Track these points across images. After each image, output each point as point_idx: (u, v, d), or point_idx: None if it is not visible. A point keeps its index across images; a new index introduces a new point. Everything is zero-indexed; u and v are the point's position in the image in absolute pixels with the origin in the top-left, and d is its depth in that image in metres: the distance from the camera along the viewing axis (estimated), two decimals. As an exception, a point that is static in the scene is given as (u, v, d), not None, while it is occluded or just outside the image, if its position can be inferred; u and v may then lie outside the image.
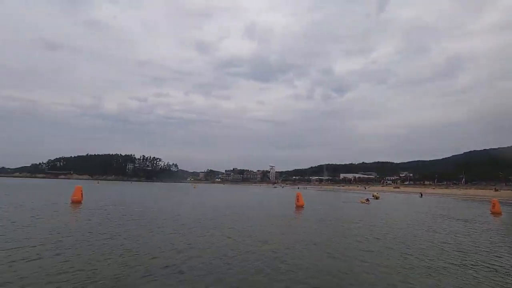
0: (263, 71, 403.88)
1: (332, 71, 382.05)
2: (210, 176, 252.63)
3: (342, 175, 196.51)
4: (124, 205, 20.39)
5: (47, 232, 9.33)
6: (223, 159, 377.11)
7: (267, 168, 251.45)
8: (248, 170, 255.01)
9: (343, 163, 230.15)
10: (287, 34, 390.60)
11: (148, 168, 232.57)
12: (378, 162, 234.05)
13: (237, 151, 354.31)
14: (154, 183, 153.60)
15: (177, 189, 64.54)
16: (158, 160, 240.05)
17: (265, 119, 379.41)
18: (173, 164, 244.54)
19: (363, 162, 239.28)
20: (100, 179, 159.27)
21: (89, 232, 9.67)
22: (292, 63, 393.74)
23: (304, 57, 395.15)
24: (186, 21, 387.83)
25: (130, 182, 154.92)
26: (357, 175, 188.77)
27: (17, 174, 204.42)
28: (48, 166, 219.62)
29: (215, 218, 14.55)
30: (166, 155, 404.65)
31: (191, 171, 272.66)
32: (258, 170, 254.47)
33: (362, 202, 29.98)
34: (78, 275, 5.52)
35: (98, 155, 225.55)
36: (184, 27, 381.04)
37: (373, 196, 39.62)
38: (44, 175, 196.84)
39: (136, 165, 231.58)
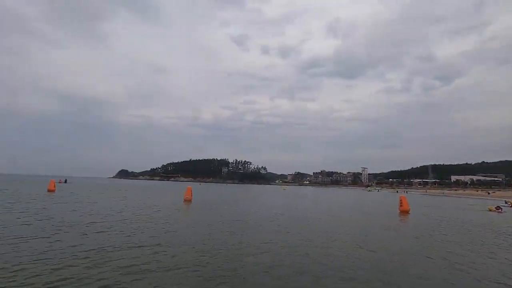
0: (349, 68, 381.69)
1: (434, 56, 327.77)
2: (298, 178, 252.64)
3: (453, 177, 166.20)
4: (225, 204, 22.46)
5: (169, 226, 11.08)
6: (311, 161, 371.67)
7: (358, 170, 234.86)
8: (337, 172, 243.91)
9: (454, 163, 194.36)
10: (374, 24, 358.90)
11: (240, 171, 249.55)
12: (505, 161, 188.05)
13: (325, 153, 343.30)
14: (246, 185, 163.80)
15: (268, 191, 67.12)
16: (248, 163, 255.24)
17: (353, 118, 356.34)
18: (262, 167, 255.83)
19: (482, 162, 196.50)
20: (201, 181, 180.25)
21: (199, 226, 11.01)
22: (382, 54, 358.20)
23: (397, 46, 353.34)
24: (269, 29, 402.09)
25: (225, 184, 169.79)
26: (475, 177, 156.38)
27: (140, 177, 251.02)
28: (162, 170, 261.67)
29: (311, 220, 14.42)
30: (256, 159, 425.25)
31: (279, 173, 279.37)
32: (348, 172, 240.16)
33: (491, 210, 24.49)
34: (199, 261, 6.32)
35: (199, 160, 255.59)
36: (268, 34, 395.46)
37: (506, 203, 31.41)
38: (159, 177, 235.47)
39: (230, 168, 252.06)
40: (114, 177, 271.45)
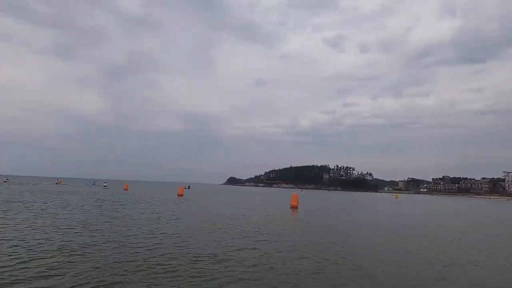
0: (475, 50, 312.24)
1: None
2: (413, 185, 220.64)
3: None
4: (332, 211, 21.69)
5: (281, 231, 11.47)
6: (428, 166, 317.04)
7: (499, 175, 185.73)
8: (466, 178, 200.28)
9: None
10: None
11: (343, 177, 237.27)
12: None
13: (446, 155, 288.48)
14: (351, 192, 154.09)
15: (377, 198, 61.10)
16: (351, 169, 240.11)
17: (486, 111, 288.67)
18: (367, 173, 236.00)
19: None
20: (302, 188, 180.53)
21: (309, 234, 10.94)
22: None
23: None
24: (366, 24, 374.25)
25: (327, 191, 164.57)
26: None
27: (246, 183, 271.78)
28: (264, 177, 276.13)
29: (442, 234, 12.24)
30: (359, 164, 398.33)
31: (388, 180, 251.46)
32: (484, 178, 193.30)
33: None
34: (316, 268, 6.24)
35: (299, 166, 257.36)
36: (365, 31, 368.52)
37: None
38: (263, 184, 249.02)
39: (331, 174, 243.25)
40: (224, 183, 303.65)
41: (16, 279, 4.89)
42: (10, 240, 7.62)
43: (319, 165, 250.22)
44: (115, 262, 6.16)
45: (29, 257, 6.13)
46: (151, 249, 7.40)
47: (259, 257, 7.15)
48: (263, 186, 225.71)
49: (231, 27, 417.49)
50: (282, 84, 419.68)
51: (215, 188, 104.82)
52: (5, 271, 5.23)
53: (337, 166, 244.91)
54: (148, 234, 9.43)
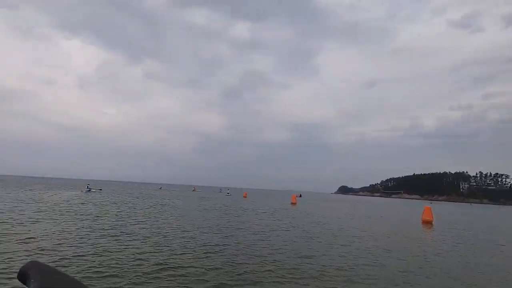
0: None
1: None
2: None
3: None
4: (481, 230, 17.29)
5: (416, 249, 9.91)
6: None
7: None
8: None
9: None
10: None
11: (491, 187, 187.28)
12: None
13: None
14: (507, 206, 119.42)
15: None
16: (504, 176, 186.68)
17: None
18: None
19: None
20: (431, 199, 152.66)
21: (452, 256, 8.97)
22: None
23: None
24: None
25: (469, 204, 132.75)
26: None
27: (360, 192, 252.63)
28: (381, 186, 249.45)
29: None
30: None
31: None
32: None
33: None
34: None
35: (425, 174, 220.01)
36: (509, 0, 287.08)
37: None
38: (380, 193, 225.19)
39: (471, 183, 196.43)
40: (335, 192, 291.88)
41: (176, 265, 6.17)
42: (193, 237, 9.49)
43: (452, 172, 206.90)
44: (245, 262, 6.68)
45: (181, 251, 7.43)
46: (274, 254, 7.68)
47: (391, 277, 6.28)
48: (379, 196, 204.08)
49: (334, 32, 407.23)
50: (396, 82, 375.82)
51: (326, 197, 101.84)
52: (172, 259, 6.63)
53: (480, 173, 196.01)
54: (270, 239, 9.87)
